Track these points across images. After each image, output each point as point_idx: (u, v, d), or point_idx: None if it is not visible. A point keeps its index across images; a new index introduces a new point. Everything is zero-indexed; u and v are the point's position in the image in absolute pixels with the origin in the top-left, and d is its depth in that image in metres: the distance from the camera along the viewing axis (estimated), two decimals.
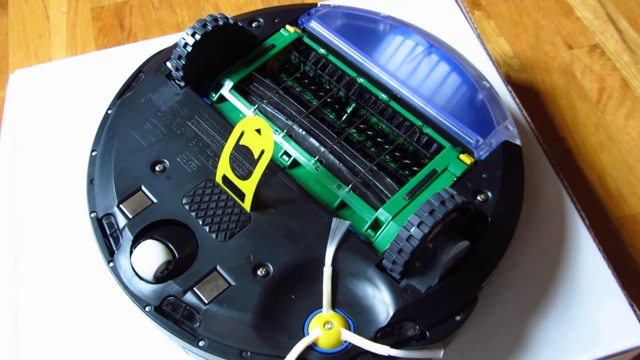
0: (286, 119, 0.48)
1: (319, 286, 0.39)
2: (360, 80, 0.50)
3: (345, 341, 0.38)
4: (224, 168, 0.43)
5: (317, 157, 0.46)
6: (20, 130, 0.56)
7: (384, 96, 0.49)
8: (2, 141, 0.56)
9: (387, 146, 0.48)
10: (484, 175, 0.44)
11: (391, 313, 0.38)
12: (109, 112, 0.50)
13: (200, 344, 0.38)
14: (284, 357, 0.37)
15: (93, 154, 0.48)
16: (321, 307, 0.38)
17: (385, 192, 0.44)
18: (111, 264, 0.42)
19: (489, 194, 0.43)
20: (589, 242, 0.47)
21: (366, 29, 0.54)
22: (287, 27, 0.54)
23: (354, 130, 0.49)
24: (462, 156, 0.45)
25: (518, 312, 0.44)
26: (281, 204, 0.43)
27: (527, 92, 0.75)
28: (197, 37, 0.47)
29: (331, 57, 0.52)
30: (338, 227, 0.41)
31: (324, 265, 0.40)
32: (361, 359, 0.37)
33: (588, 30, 0.80)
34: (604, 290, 0.45)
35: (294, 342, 0.37)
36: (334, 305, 0.39)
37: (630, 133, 0.71)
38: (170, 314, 0.40)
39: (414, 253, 0.37)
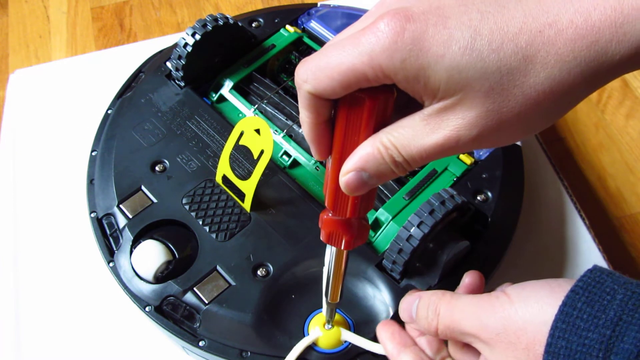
0: (286, 119, 0.48)
1: (319, 286, 0.38)
2: None
3: (345, 341, 0.38)
4: (224, 168, 0.43)
5: None
6: (20, 130, 0.56)
7: None
8: (2, 141, 0.56)
9: None
10: (484, 175, 0.44)
11: (391, 313, 0.38)
12: (109, 112, 0.50)
13: (200, 344, 0.38)
14: (284, 357, 0.37)
15: (93, 154, 0.48)
16: (321, 307, 0.38)
17: (385, 192, 0.44)
18: (111, 264, 0.42)
19: (489, 194, 0.43)
20: (589, 242, 0.47)
21: None
22: (287, 27, 0.54)
23: None
24: (462, 156, 0.45)
25: None
26: (281, 204, 0.43)
27: None
28: (197, 37, 0.47)
29: None
30: None
31: (324, 265, 0.40)
32: (361, 359, 0.37)
33: None
34: None
35: (294, 342, 0.37)
36: None
37: (630, 133, 0.71)
38: (170, 314, 0.40)
39: (414, 253, 0.36)
